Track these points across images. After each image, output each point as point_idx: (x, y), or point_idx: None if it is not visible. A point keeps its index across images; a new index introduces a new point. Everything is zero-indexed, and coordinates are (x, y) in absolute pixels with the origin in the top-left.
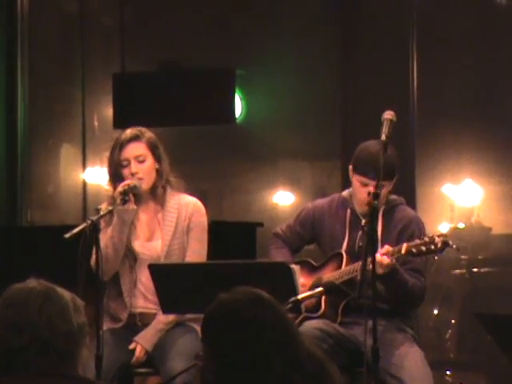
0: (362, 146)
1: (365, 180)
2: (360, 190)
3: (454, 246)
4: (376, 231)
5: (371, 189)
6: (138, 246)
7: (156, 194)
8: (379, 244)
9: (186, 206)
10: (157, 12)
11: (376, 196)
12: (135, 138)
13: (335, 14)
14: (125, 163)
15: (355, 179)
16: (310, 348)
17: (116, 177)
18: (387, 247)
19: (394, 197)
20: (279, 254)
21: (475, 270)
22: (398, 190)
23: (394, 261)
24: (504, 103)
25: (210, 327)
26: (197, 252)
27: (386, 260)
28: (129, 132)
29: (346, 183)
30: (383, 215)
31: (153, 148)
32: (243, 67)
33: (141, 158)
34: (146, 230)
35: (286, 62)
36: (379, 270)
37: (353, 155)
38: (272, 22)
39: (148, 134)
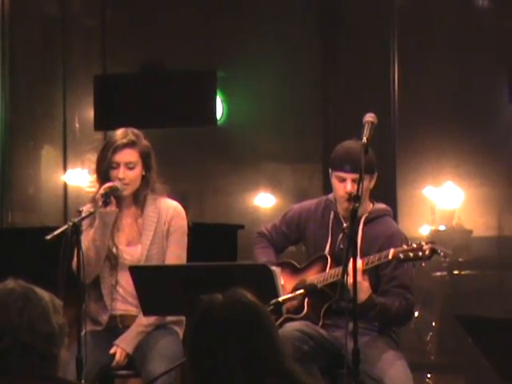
0: (339, 144)
1: (342, 174)
2: (339, 187)
3: (442, 254)
4: (357, 232)
5: (349, 183)
6: (118, 250)
7: (138, 200)
8: (358, 250)
9: (166, 210)
10: (138, 14)
11: (356, 199)
12: (131, 145)
13: (316, 17)
14: (114, 165)
15: (333, 177)
16: (288, 353)
17: (104, 175)
18: (359, 262)
19: (381, 206)
20: (263, 254)
21: (456, 272)
22: (379, 193)
23: (366, 279)
24: (485, 106)
25: (188, 330)
26: (175, 255)
27: (365, 284)
28: (124, 134)
29: (327, 185)
30: (365, 223)
31: (145, 157)
32: (224, 69)
33: (131, 165)
34: (126, 235)
35: (267, 65)
36: (359, 295)
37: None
38: (253, 24)
39: (144, 142)
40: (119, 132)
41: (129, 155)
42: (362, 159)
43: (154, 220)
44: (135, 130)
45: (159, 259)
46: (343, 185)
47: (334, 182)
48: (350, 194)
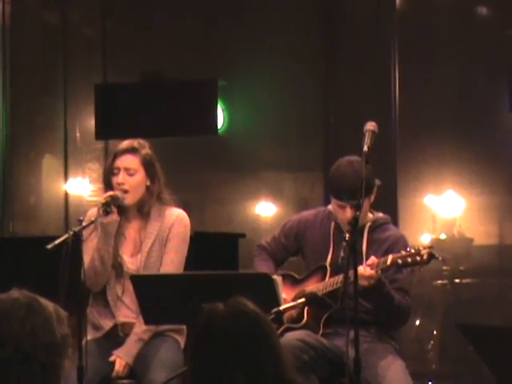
0: (335, 166)
1: (340, 203)
2: (338, 212)
3: (440, 258)
4: (358, 241)
5: (348, 211)
6: (124, 260)
7: (143, 212)
8: (364, 258)
9: (168, 217)
10: (139, 23)
11: (358, 206)
12: (131, 151)
13: (317, 27)
14: (115, 171)
15: (333, 201)
16: (289, 362)
17: (108, 183)
18: (373, 258)
19: (380, 215)
20: (263, 266)
21: (457, 280)
22: (380, 202)
23: (378, 272)
24: (486, 114)
25: (189, 339)
26: (169, 261)
27: (368, 271)
28: (127, 143)
29: (328, 195)
30: (369, 232)
31: (146, 165)
32: (225, 78)
33: (131, 171)
34: (131, 245)
35: (268, 74)
36: (364, 282)
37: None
38: (254, 33)
39: (146, 150)
40: (124, 141)
41: (128, 161)
42: (363, 171)
43: (156, 228)
44: (141, 140)
45: (158, 266)
46: (343, 211)
47: (334, 206)
48: (350, 206)
